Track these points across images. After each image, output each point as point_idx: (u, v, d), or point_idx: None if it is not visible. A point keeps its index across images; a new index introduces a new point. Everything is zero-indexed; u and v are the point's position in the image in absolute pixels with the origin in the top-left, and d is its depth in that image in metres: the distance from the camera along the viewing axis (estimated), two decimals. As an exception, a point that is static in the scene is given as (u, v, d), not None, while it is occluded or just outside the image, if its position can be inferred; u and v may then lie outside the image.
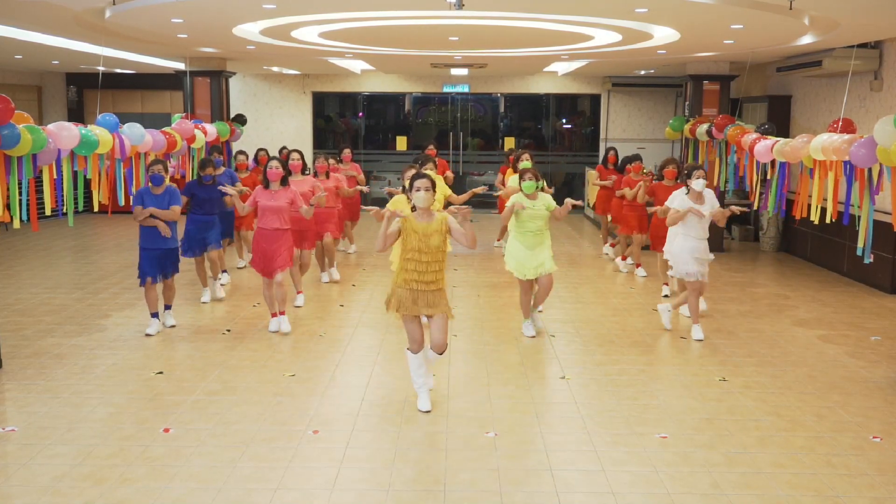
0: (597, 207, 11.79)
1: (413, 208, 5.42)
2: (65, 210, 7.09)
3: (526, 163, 9.25)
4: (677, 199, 7.27)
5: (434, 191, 5.33)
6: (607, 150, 11.58)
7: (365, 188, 10.59)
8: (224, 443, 4.89)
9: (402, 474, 4.51)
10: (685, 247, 7.18)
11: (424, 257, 5.26)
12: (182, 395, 5.72)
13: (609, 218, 11.42)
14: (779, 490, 4.35)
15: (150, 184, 7.15)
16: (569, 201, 6.99)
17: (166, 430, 5.07)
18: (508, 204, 7.07)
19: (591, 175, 15.27)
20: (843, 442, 5.02)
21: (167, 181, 7.23)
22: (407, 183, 7.09)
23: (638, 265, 10.20)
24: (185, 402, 5.57)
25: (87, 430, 5.06)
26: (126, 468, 4.53)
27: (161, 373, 6.21)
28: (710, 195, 7.24)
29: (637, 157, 10.15)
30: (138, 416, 5.31)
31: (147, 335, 7.19)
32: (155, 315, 7.31)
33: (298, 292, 8.44)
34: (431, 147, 12.36)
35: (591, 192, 15.31)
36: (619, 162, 11.10)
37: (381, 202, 17.06)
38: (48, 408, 5.43)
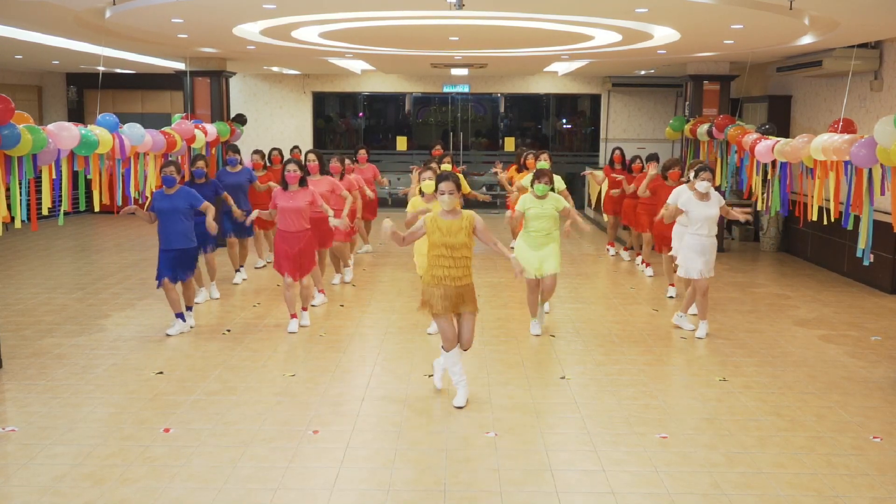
0: (605, 208, 11.52)
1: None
2: (62, 209, 7.08)
3: (543, 163, 9.13)
4: (682, 197, 7.25)
5: (459, 192, 5.43)
6: (613, 151, 11.36)
7: (385, 182, 10.55)
8: (224, 443, 4.90)
9: (402, 474, 4.51)
10: (691, 245, 7.15)
11: (452, 253, 5.36)
12: (182, 395, 5.72)
13: (615, 219, 11.33)
14: (779, 490, 4.35)
15: (162, 186, 7.16)
16: (569, 227, 7.22)
17: (166, 430, 5.07)
18: (517, 208, 7.15)
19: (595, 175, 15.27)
20: (843, 442, 5.02)
21: (178, 182, 7.21)
22: (421, 185, 7.05)
23: (647, 264, 10.23)
24: (185, 402, 5.56)
25: (87, 430, 5.06)
26: (126, 468, 4.53)
27: (161, 373, 6.21)
28: (715, 194, 7.21)
29: (677, 163, 8.98)
30: (138, 416, 5.31)
31: (167, 335, 7.18)
32: (180, 315, 7.26)
33: (320, 290, 8.46)
34: (438, 147, 12.26)
35: (594, 193, 15.31)
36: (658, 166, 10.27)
37: (382, 203, 17.08)
38: (48, 408, 5.43)
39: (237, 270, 9.55)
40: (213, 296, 8.64)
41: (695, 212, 7.11)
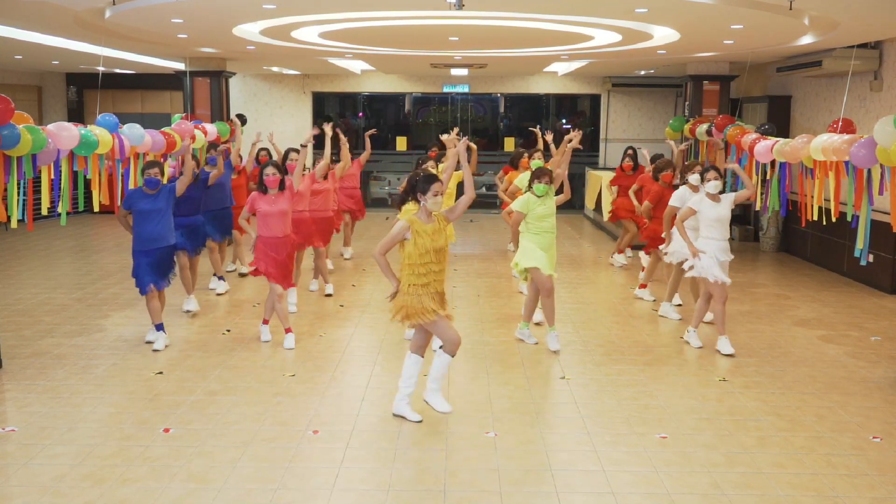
0: (617, 214, 10.69)
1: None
2: (60, 209, 7.06)
3: (538, 161, 8.68)
4: (693, 199, 6.96)
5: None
6: (626, 151, 10.80)
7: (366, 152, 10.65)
8: (224, 443, 4.90)
9: (402, 474, 4.51)
10: (706, 249, 6.79)
11: (439, 256, 5.11)
12: (182, 395, 5.72)
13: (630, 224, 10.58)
14: (779, 490, 4.35)
15: (144, 186, 6.80)
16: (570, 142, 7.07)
17: (166, 430, 5.07)
18: (518, 209, 6.82)
19: (593, 176, 15.27)
20: (843, 442, 5.02)
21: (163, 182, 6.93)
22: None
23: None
24: (185, 402, 5.56)
25: (87, 430, 5.06)
26: (126, 468, 4.53)
27: (161, 373, 6.21)
28: (725, 194, 6.86)
29: (669, 164, 8.81)
30: (138, 416, 5.31)
31: (154, 350, 6.75)
32: (160, 327, 6.84)
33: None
34: (434, 149, 12.13)
35: (593, 193, 15.30)
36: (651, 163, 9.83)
37: (382, 202, 17.10)
38: (48, 408, 5.43)
39: (219, 278, 8.99)
40: (190, 307, 7.99)
41: (706, 213, 6.77)
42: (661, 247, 8.14)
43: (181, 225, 7.65)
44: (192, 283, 8.07)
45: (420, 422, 5.23)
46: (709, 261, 6.78)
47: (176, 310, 7.94)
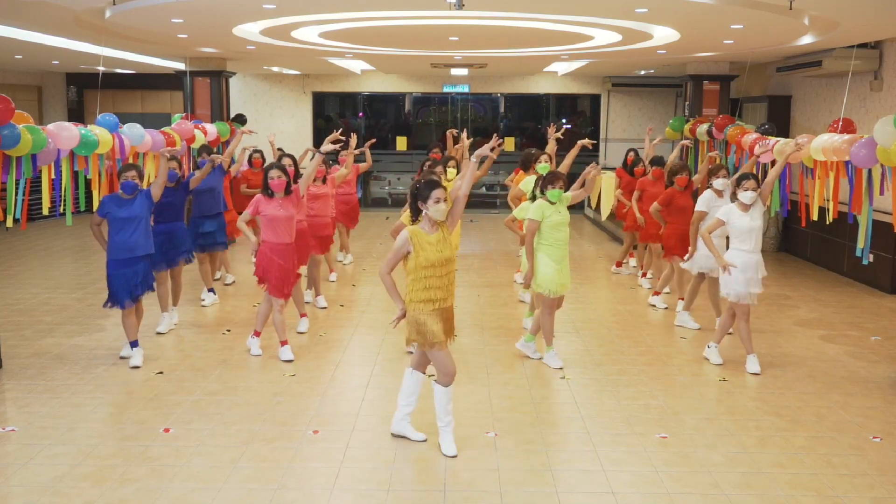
0: (626, 222, 9.80)
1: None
2: (62, 210, 7.05)
3: (545, 165, 8.23)
4: (723, 208, 6.47)
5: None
6: (627, 152, 10.33)
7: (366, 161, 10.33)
8: (224, 443, 4.90)
9: (402, 474, 4.51)
10: (737, 261, 6.25)
11: (443, 271, 4.70)
12: (182, 395, 5.72)
13: (633, 236, 9.97)
14: (779, 490, 4.35)
15: (121, 191, 6.32)
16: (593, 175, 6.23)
17: (166, 430, 5.07)
18: (533, 217, 6.23)
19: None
20: (843, 442, 5.02)
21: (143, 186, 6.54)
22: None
23: (644, 275, 9.55)
24: (185, 402, 5.56)
25: (87, 430, 5.06)
26: (126, 468, 4.53)
27: (161, 373, 6.20)
28: (759, 206, 6.32)
29: (684, 167, 8.07)
30: (138, 416, 5.31)
31: (133, 367, 6.32)
32: (135, 344, 6.42)
33: (303, 315, 7.55)
34: (436, 150, 11.92)
35: (594, 194, 15.30)
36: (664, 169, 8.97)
37: (382, 202, 17.11)
38: (48, 408, 5.43)
39: (210, 290, 8.48)
40: (174, 321, 7.52)
41: (737, 224, 6.26)
42: (685, 256, 7.49)
43: (159, 232, 7.07)
44: (170, 299, 7.46)
45: (424, 440, 4.93)
46: (737, 275, 6.23)
47: (183, 305, 7.91)
